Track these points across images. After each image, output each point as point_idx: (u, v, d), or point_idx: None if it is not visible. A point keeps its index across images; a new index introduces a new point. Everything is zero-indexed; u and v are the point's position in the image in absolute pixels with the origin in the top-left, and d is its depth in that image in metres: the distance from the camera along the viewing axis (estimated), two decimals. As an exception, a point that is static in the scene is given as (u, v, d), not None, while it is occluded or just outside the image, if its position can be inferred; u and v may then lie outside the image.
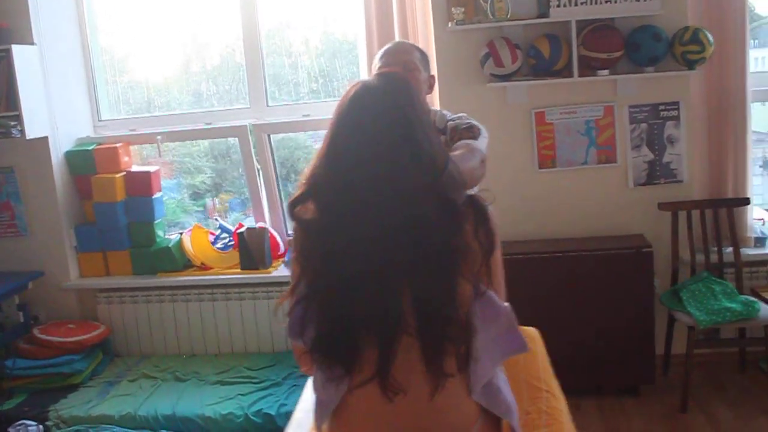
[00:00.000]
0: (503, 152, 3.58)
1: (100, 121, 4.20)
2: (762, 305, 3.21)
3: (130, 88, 4.32)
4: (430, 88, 2.43)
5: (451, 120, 2.41)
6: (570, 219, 3.64)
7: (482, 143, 2.21)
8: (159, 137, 4.00)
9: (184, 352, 4.02)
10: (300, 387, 3.39)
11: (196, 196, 4.44)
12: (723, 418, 3.19)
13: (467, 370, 1.48)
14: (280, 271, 3.89)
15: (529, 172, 3.64)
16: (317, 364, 1.49)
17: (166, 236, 4.10)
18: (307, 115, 3.99)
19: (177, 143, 4.25)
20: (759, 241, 3.68)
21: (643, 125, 3.56)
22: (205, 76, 4.29)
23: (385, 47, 2.42)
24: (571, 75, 3.39)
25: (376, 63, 2.40)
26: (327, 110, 3.87)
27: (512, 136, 3.62)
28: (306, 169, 1.54)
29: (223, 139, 4.25)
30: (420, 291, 1.40)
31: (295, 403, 3.22)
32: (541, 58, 3.37)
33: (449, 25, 3.44)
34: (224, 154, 4.36)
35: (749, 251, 3.60)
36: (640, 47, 3.33)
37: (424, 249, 1.40)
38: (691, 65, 3.35)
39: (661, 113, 3.55)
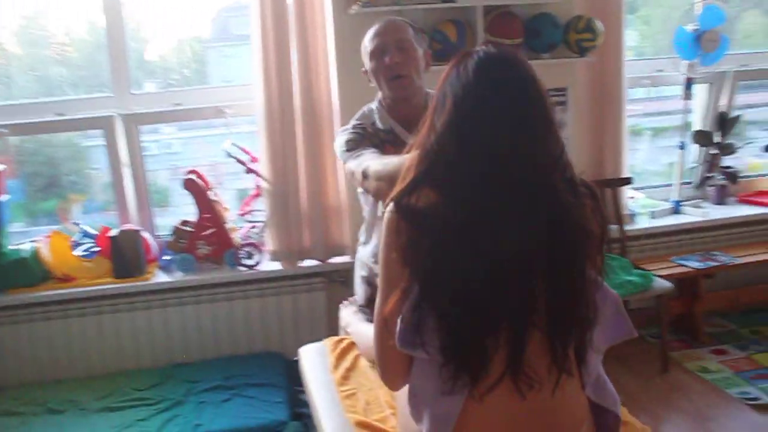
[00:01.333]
0: (403, 140, 3.52)
1: None
2: (654, 277, 3.45)
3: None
4: (428, 64, 2.27)
5: None
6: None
7: None
8: (5, 130, 3.40)
9: (47, 379, 3.46)
10: (210, 404, 3.07)
11: (45, 196, 3.84)
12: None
13: (583, 362, 1.40)
14: (159, 277, 3.49)
15: (429, 160, 3.59)
16: (444, 376, 1.31)
17: (12, 246, 3.50)
18: (179, 104, 3.60)
19: (23, 137, 3.64)
20: (632, 218, 3.95)
21: (535, 111, 3.65)
22: (53, 59, 3.71)
23: (375, 27, 2.22)
24: (475, 61, 3.38)
25: (367, 45, 2.20)
26: (203, 98, 3.58)
27: (412, 123, 3.54)
28: (412, 152, 1.36)
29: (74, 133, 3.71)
30: (554, 279, 1.30)
31: (211, 421, 2.93)
32: (448, 43, 3.32)
33: (353, 8, 3.26)
34: (77, 150, 3.82)
35: (626, 227, 3.85)
36: (541, 34, 3.40)
37: (561, 233, 1.30)
38: (583, 52, 3.49)
39: (552, 99, 3.65)
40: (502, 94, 1.31)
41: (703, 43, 3.69)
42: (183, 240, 3.48)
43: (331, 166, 3.46)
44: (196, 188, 3.44)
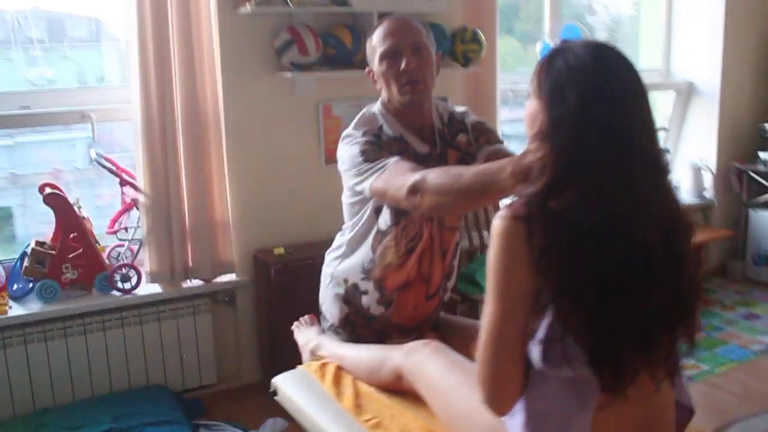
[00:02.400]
0: (290, 148, 3.36)
1: None
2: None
3: None
4: (438, 68, 2.08)
5: (461, 113, 2.12)
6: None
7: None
8: None
9: None
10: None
11: None
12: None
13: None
14: (15, 309, 2.97)
15: (316, 168, 3.44)
16: (584, 390, 1.26)
17: None
18: (27, 107, 3.12)
19: None
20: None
21: (418, 120, 3.64)
22: None
23: (386, 25, 1.98)
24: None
25: (377, 44, 1.97)
26: (58, 101, 3.13)
27: (300, 130, 3.38)
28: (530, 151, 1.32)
29: None
30: (678, 275, 1.29)
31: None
32: (343, 48, 3.21)
33: (246, 7, 3.03)
34: None
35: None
36: (435, 43, 3.39)
37: (677, 230, 1.30)
38: (468, 63, 3.54)
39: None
40: (623, 82, 1.27)
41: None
42: (42, 264, 3.00)
43: (217, 176, 3.19)
44: (59, 203, 2.99)
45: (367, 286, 2.03)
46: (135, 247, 3.21)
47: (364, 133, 1.92)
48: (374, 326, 2.09)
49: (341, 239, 2.10)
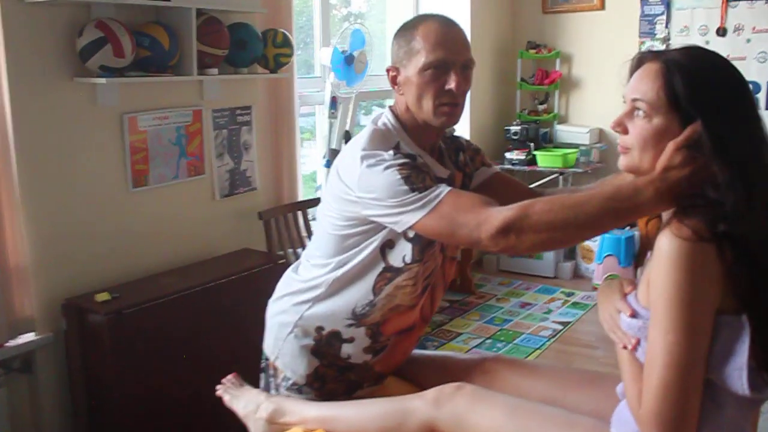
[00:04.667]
0: (92, 169, 2.78)
1: None
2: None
3: None
4: None
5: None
6: (167, 247, 3.05)
7: None
8: None
9: None
10: None
11: None
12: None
13: None
14: None
15: (122, 193, 2.87)
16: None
17: None
18: None
19: None
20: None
21: (225, 131, 3.27)
22: None
23: (438, 30, 1.61)
24: (184, 72, 2.85)
25: (420, 48, 1.59)
26: None
27: (102, 148, 2.79)
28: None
29: None
30: None
31: None
32: (160, 50, 2.72)
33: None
34: None
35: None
36: (247, 45, 3.06)
37: None
38: (278, 68, 3.26)
39: (238, 118, 3.32)
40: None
41: (355, 64, 3.82)
42: None
43: (7, 208, 2.49)
44: None
45: (355, 332, 1.70)
46: None
47: (396, 154, 1.56)
48: (348, 377, 1.76)
49: (315, 278, 1.69)
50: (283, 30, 3.26)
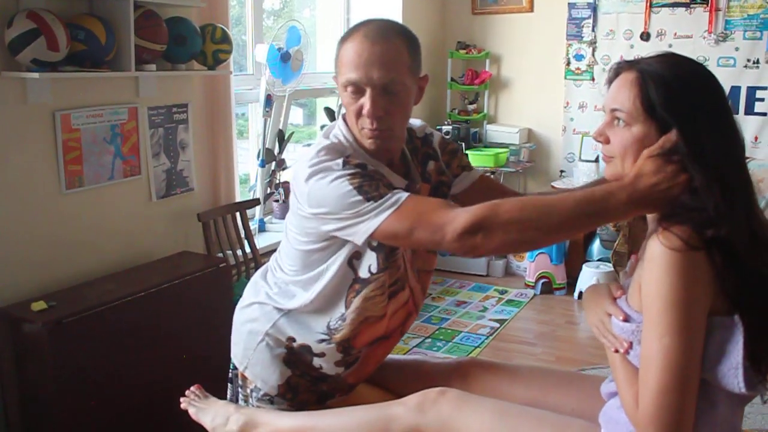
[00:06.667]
0: (22, 170, 2.61)
1: None
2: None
3: None
4: (421, 91, 1.62)
5: (422, 131, 1.76)
6: (104, 251, 2.90)
7: None
8: None
9: None
10: None
11: None
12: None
13: None
14: None
15: (55, 195, 2.71)
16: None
17: None
18: None
19: None
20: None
21: (161, 130, 3.13)
22: None
23: (358, 44, 1.48)
24: (121, 68, 2.71)
25: (343, 61, 1.49)
26: None
27: (33, 147, 2.62)
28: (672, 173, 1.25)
29: None
30: None
31: None
32: (96, 44, 2.58)
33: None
34: None
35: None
36: (187, 41, 2.94)
37: None
38: (216, 65, 3.15)
39: (174, 116, 3.19)
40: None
41: (292, 62, 3.75)
42: None
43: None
44: None
45: (326, 348, 1.63)
46: None
47: (345, 164, 1.46)
48: (321, 387, 1.70)
49: (287, 285, 1.62)
50: (221, 25, 3.15)
